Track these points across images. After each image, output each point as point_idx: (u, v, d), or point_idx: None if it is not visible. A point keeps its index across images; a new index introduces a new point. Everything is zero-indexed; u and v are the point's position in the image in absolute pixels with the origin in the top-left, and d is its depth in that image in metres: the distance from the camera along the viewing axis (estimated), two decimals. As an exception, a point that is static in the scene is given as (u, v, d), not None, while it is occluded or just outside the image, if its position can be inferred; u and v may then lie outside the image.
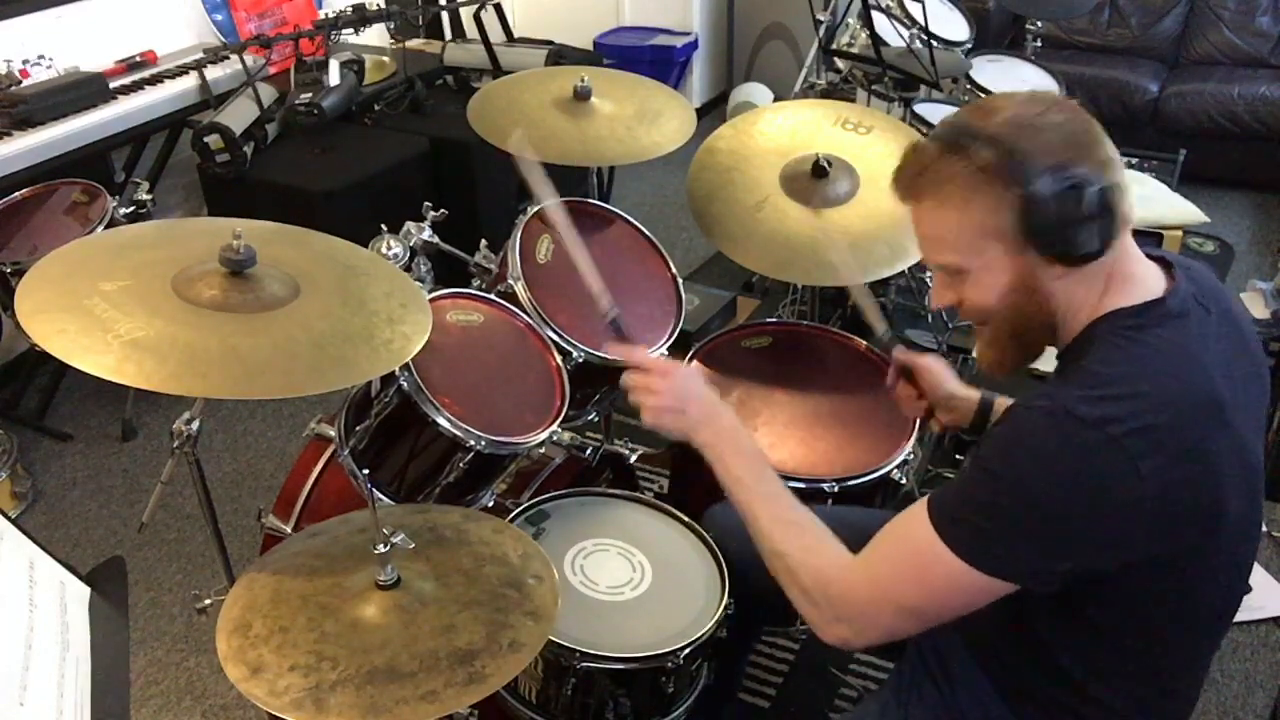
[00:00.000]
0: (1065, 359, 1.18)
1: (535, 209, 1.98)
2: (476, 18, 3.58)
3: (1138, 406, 1.04)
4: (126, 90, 3.01)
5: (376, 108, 3.50)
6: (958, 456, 2.57)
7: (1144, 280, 1.15)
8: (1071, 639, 1.20)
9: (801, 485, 1.76)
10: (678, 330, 1.99)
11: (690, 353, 2.01)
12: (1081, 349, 1.13)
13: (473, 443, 1.61)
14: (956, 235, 1.14)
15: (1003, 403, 1.53)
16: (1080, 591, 1.14)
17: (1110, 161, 1.10)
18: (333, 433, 1.77)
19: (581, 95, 2.16)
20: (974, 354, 1.27)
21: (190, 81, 3.14)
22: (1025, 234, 1.10)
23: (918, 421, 1.84)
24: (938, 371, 1.58)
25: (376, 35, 3.98)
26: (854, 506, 1.73)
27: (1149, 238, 3.04)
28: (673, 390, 1.36)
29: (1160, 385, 1.06)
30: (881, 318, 1.65)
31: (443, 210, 2.04)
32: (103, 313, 1.26)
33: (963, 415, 1.56)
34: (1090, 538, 1.07)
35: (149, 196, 2.67)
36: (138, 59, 3.22)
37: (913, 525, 1.15)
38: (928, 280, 3.27)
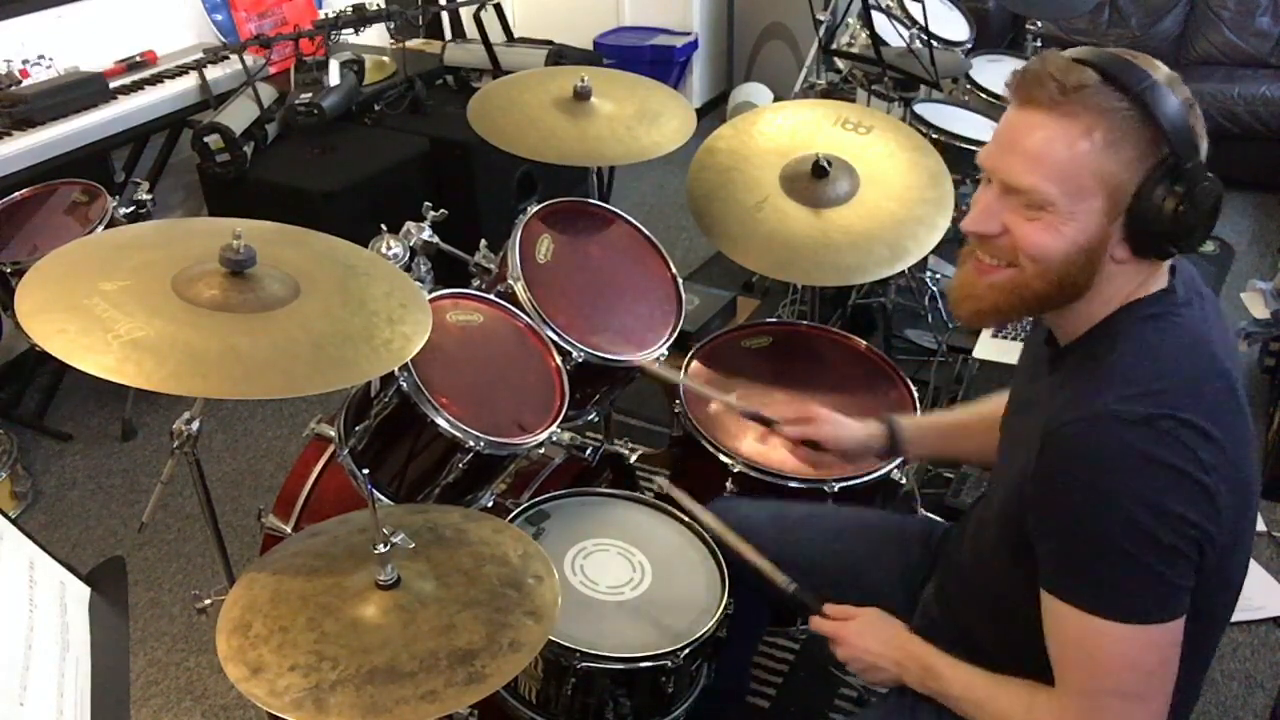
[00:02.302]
0: (1079, 353, 1.13)
1: (537, 208, 1.99)
2: (476, 18, 3.58)
3: (1175, 400, 1.03)
4: (126, 90, 3.01)
5: (376, 108, 3.50)
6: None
7: (1160, 273, 1.13)
8: None
9: (802, 485, 1.76)
10: (678, 330, 1.99)
11: (690, 353, 2.01)
12: (1099, 343, 1.10)
13: (472, 443, 1.61)
14: (1074, 169, 1.03)
15: (909, 420, 1.57)
16: None
17: None
18: (333, 433, 1.77)
19: (581, 95, 2.16)
20: (951, 287, 1.19)
21: (190, 81, 3.14)
22: (1136, 205, 1.03)
23: None
24: (830, 432, 1.56)
25: (376, 35, 3.98)
26: (854, 507, 1.73)
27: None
28: (867, 649, 1.35)
29: (1187, 374, 1.06)
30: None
31: (443, 210, 2.04)
32: (103, 313, 1.26)
33: (873, 451, 1.57)
34: (1193, 527, 1.03)
35: (149, 196, 2.67)
36: (138, 59, 3.22)
37: (1063, 626, 1.09)
38: (928, 280, 3.27)
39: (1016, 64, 3.47)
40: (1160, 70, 1.05)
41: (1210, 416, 1.04)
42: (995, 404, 1.46)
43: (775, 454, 1.82)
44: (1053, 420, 1.07)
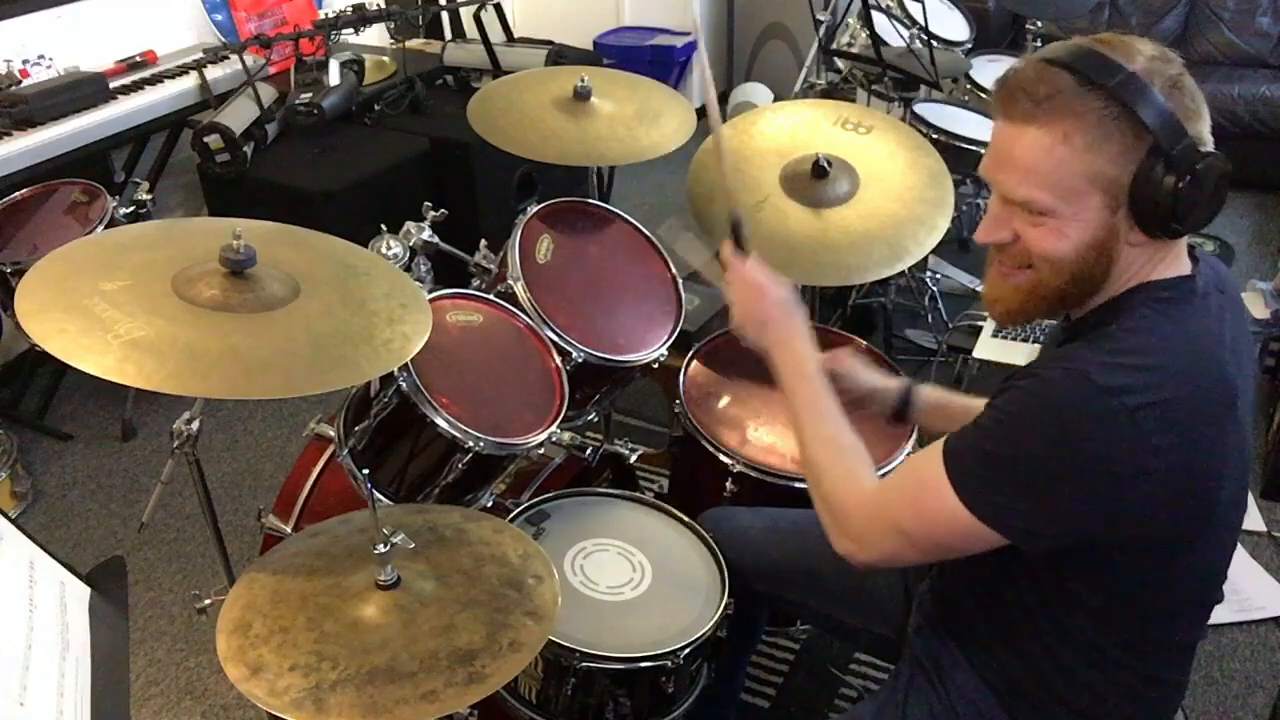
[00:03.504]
0: (1089, 322, 1.14)
1: (537, 208, 1.99)
2: (476, 18, 3.58)
3: (1156, 379, 1.04)
4: (126, 90, 3.01)
5: (376, 108, 3.49)
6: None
7: (1180, 256, 1.13)
8: (1061, 624, 1.21)
9: (802, 485, 1.75)
10: (678, 330, 1.99)
11: (690, 353, 2.01)
12: (1109, 315, 1.11)
13: (472, 443, 1.61)
14: (1062, 175, 1.05)
15: (929, 390, 1.56)
16: (1070, 572, 1.15)
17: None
18: (333, 433, 1.77)
19: (581, 95, 2.16)
20: (983, 291, 1.22)
21: (190, 81, 3.14)
22: (1135, 195, 1.04)
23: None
24: (851, 368, 1.55)
25: (376, 35, 3.98)
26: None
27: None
28: (757, 304, 1.42)
29: (1182, 362, 1.06)
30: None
31: (443, 210, 2.04)
32: (103, 313, 1.26)
33: (884, 405, 1.57)
34: (1086, 504, 1.07)
35: (149, 196, 2.67)
36: (138, 59, 3.22)
37: (928, 457, 1.16)
38: (927, 280, 3.27)
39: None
40: (1139, 53, 1.05)
41: (1190, 406, 1.04)
42: None
43: (775, 454, 1.82)
44: (1044, 361, 1.12)
